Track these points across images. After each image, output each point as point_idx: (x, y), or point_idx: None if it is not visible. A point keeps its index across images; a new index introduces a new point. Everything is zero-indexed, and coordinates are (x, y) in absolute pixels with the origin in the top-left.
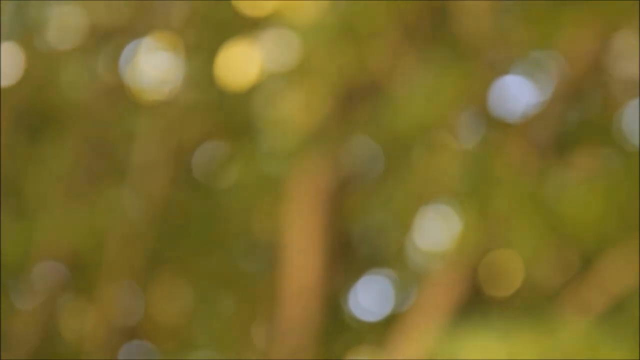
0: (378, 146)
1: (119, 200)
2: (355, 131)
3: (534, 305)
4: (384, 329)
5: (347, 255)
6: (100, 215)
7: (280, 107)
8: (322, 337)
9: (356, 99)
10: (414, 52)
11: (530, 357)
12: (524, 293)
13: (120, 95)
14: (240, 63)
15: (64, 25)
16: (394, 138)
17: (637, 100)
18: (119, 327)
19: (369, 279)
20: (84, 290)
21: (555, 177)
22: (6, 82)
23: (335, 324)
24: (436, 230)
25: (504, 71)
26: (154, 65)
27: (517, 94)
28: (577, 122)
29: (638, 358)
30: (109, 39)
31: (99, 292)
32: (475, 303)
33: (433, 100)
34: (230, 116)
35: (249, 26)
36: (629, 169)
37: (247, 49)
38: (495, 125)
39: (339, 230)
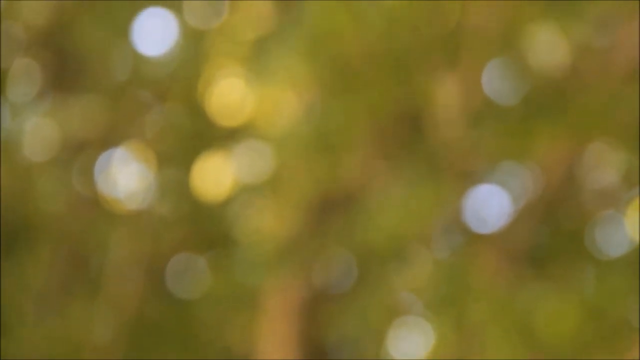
0: (352, 257)
1: (92, 312)
2: (329, 242)
3: None
4: None
5: None
6: (73, 327)
7: (255, 219)
8: None
9: (330, 210)
10: (387, 163)
11: None
12: None
13: (95, 206)
14: (215, 174)
15: (38, 137)
16: (368, 249)
17: (611, 210)
18: None
19: None
20: None
21: (530, 287)
22: None
23: None
24: (411, 342)
25: (478, 181)
26: (127, 176)
27: (491, 204)
28: (550, 232)
29: None
30: (83, 150)
31: None
32: None
33: (407, 212)
34: (204, 227)
35: (223, 137)
36: (602, 280)
37: (221, 160)
38: (469, 236)
39: (313, 342)
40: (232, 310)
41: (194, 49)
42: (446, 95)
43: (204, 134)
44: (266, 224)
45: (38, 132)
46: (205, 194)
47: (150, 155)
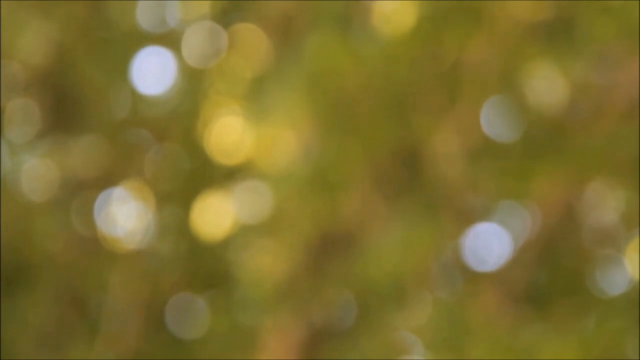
0: (351, 296)
1: (92, 352)
2: (328, 281)
3: None
4: None
5: None
6: None
7: (254, 258)
8: None
9: (329, 249)
10: (386, 201)
11: None
12: None
13: (94, 245)
14: (214, 213)
15: (37, 177)
16: (367, 288)
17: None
18: None
19: None
20: None
21: (530, 327)
22: None
23: None
24: None
25: (477, 220)
26: (126, 215)
27: (490, 242)
28: (550, 272)
29: None
30: (82, 189)
31: None
32: None
33: (406, 250)
34: (204, 266)
35: (222, 176)
36: (602, 320)
37: (220, 199)
38: (468, 275)
39: None
40: (232, 349)
41: (193, 88)
42: (445, 134)
43: (202, 173)
44: (265, 263)
45: (37, 172)
46: (205, 233)
47: (149, 195)
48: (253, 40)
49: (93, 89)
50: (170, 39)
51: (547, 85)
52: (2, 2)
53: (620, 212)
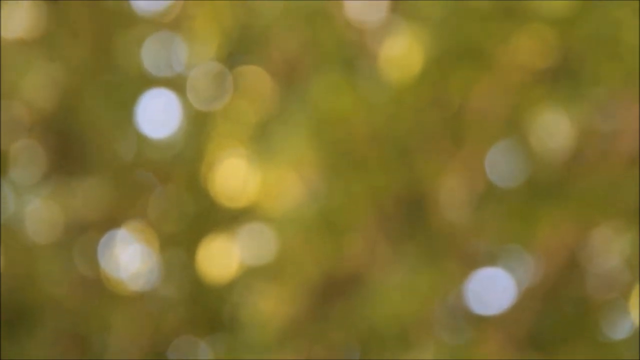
0: (355, 340)
1: None
2: (331, 325)
3: None
4: None
5: None
6: None
7: (258, 301)
8: None
9: (333, 293)
10: (390, 245)
11: None
12: None
13: (97, 287)
14: (218, 256)
15: (41, 219)
16: (370, 331)
17: (614, 295)
18: None
19: None
20: None
21: None
22: None
23: None
24: None
25: (481, 264)
26: (130, 257)
27: (494, 287)
28: (554, 316)
29: None
30: (86, 231)
31: None
32: None
33: (409, 294)
34: (207, 309)
35: (227, 218)
36: None
37: (224, 241)
38: (472, 319)
39: None
40: None
41: (198, 131)
42: (450, 178)
43: (207, 215)
44: (269, 306)
45: (41, 213)
46: (209, 275)
47: (153, 237)
48: (258, 83)
49: (98, 131)
50: (175, 82)
51: (552, 130)
52: (7, 43)
53: (624, 258)
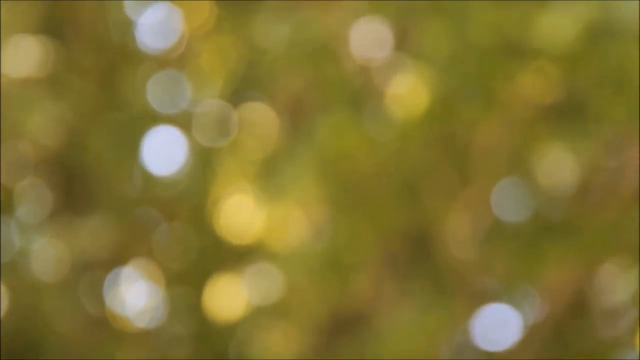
0: None
1: None
2: None
3: None
4: None
5: None
6: None
7: (264, 339)
8: None
9: (339, 330)
10: (397, 283)
11: None
12: None
13: (103, 325)
14: (224, 294)
15: (46, 258)
16: None
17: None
18: None
19: None
20: None
21: None
22: None
23: None
24: None
25: (487, 301)
26: (136, 295)
27: (501, 324)
28: (560, 353)
29: None
30: (92, 269)
31: None
32: None
33: (416, 332)
34: (213, 347)
35: (233, 255)
36: None
37: (230, 279)
38: (479, 356)
39: None
40: None
41: (203, 168)
42: (456, 215)
43: (212, 253)
44: (276, 345)
45: (46, 252)
46: (215, 313)
47: (159, 274)
48: (264, 120)
49: (103, 168)
50: (180, 119)
51: (558, 166)
52: (13, 81)
53: (629, 294)
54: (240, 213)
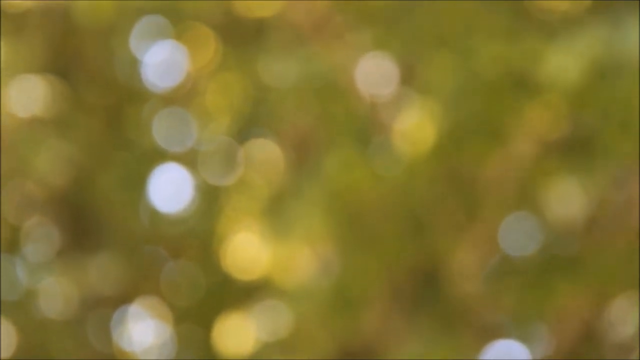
0: None
1: None
2: None
3: None
4: None
5: None
6: None
7: None
8: None
9: None
10: (405, 318)
11: None
12: None
13: None
14: (232, 331)
15: (54, 296)
16: None
17: None
18: None
19: None
20: None
21: None
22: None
23: None
24: None
25: (496, 336)
26: (144, 332)
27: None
28: None
29: None
30: (99, 306)
31: None
32: None
33: None
34: None
35: (240, 292)
36: None
37: (238, 316)
38: None
39: None
40: None
41: (210, 205)
42: (463, 250)
43: (220, 290)
44: None
45: (54, 290)
46: (223, 350)
47: (166, 311)
48: (270, 157)
49: (110, 206)
50: (187, 157)
51: (565, 201)
52: (20, 121)
53: (638, 328)
54: (247, 250)
